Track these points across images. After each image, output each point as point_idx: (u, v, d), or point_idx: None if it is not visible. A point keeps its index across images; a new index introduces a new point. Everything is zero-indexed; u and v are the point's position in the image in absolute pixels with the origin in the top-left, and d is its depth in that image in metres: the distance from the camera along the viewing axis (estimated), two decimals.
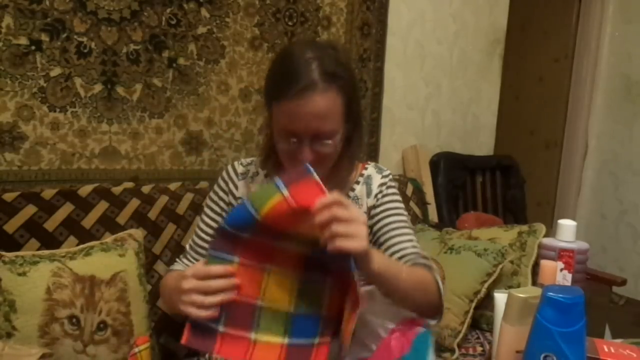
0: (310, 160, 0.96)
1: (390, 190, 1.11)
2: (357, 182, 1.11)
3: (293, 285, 0.87)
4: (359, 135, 1.09)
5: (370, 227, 1.09)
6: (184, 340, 0.84)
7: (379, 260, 0.85)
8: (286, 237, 0.84)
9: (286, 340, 0.86)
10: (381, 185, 1.10)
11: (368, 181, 1.11)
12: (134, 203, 1.47)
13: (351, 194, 1.10)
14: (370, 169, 1.13)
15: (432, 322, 0.98)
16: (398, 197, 1.12)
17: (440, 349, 1.52)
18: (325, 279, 0.86)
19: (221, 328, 0.86)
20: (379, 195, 1.10)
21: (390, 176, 1.13)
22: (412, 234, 1.08)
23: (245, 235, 0.84)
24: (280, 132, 0.98)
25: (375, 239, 1.08)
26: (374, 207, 1.09)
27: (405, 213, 1.11)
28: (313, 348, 0.86)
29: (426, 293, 0.96)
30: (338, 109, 0.97)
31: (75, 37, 1.53)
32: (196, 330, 0.85)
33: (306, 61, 0.94)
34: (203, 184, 1.63)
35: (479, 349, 1.54)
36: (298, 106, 0.93)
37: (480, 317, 1.62)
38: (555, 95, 2.73)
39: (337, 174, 1.07)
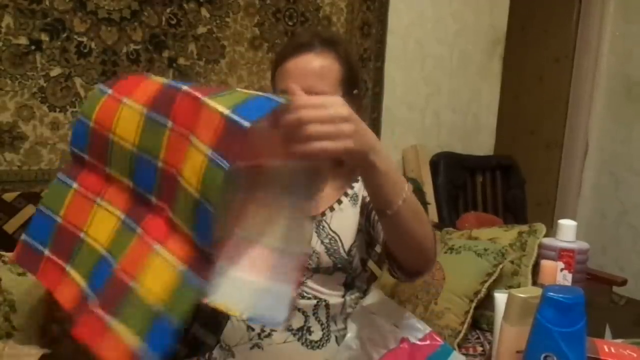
0: None
1: None
2: (357, 180, 1.11)
3: (114, 226, 0.80)
4: None
5: (368, 211, 1.06)
6: (13, 256, 0.88)
7: (383, 159, 0.74)
8: (118, 154, 0.80)
9: (83, 285, 0.80)
10: None
11: None
12: None
13: (350, 191, 1.10)
14: None
15: (420, 278, 0.93)
16: None
17: None
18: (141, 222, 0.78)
19: (46, 251, 0.85)
20: None
21: None
22: None
23: (85, 157, 0.84)
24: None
25: (373, 217, 1.04)
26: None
27: None
28: (94, 311, 0.76)
29: (424, 230, 0.86)
30: (334, 75, 1.00)
31: (75, 36, 1.53)
32: (26, 249, 0.87)
33: (308, 32, 1.03)
34: None
35: (479, 349, 1.54)
36: (294, 64, 0.99)
37: (481, 317, 1.62)
38: (555, 95, 2.73)
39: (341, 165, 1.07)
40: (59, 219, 0.85)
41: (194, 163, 0.69)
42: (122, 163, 0.80)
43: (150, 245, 0.74)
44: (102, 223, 0.82)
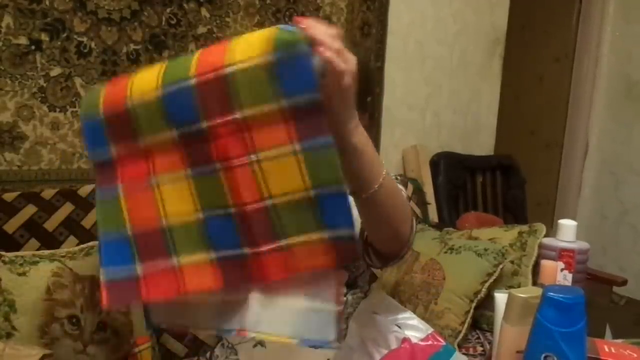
0: None
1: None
2: None
3: (189, 185, 0.73)
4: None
5: None
6: (104, 303, 0.77)
7: (361, 136, 0.75)
8: (143, 111, 0.73)
9: (212, 255, 0.73)
10: None
11: None
12: None
13: None
14: None
15: (393, 264, 0.93)
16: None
17: None
18: (213, 165, 0.72)
19: (138, 269, 0.76)
20: None
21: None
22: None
23: (111, 153, 0.77)
24: None
25: None
26: None
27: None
28: (248, 260, 0.72)
29: (401, 215, 0.86)
30: None
31: (75, 36, 1.53)
32: (113, 288, 0.77)
33: None
34: None
35: (479, 349, 1.54)
36: None
37: (481, 317, 1.62)
38: (555, 95, 2.73)
39: None
40: (128, 232, 0.77)
41: (283, 172, 0.67)
42: (152, 115, 0.73)
43: (244, 161, 0.69)
44: (174, 195, 0.74)
